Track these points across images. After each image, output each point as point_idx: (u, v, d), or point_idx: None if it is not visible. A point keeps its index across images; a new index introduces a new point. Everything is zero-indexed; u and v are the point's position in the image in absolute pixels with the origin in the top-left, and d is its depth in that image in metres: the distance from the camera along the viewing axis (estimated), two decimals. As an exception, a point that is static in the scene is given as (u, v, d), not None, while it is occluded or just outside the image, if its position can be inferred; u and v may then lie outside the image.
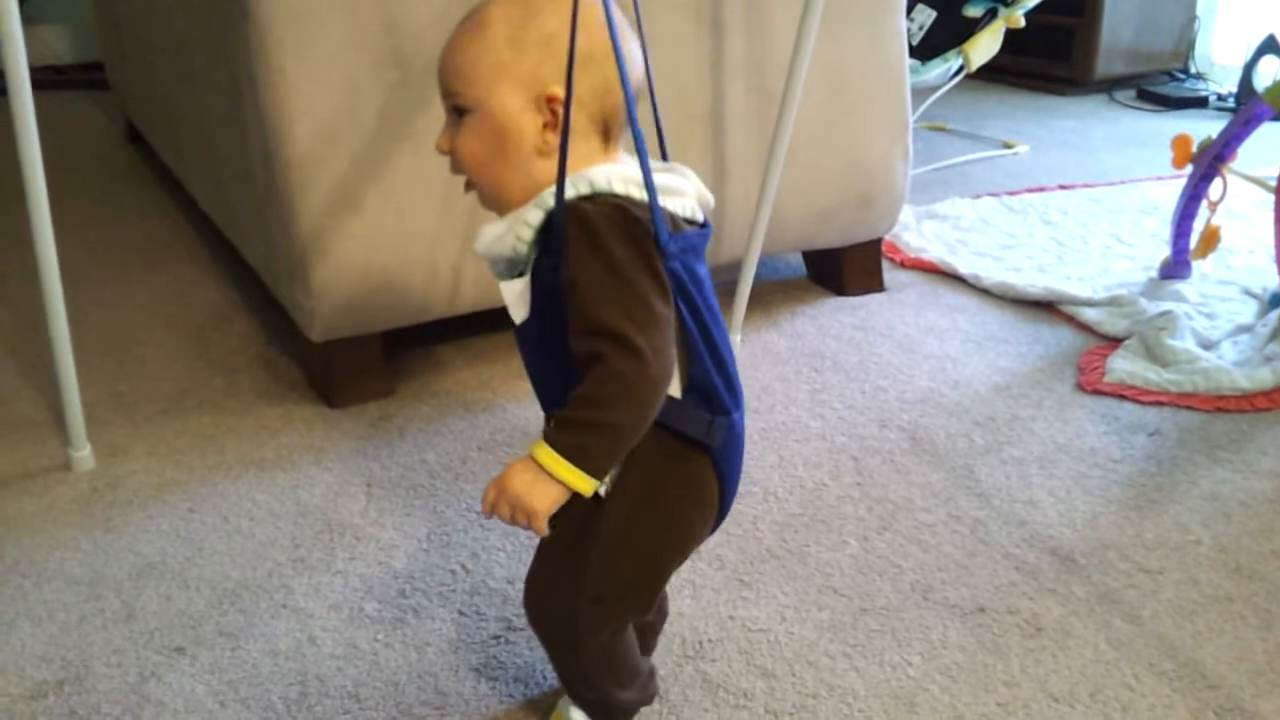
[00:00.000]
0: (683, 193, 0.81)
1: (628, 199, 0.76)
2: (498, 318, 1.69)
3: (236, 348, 1.76)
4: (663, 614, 1.03)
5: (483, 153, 0.79)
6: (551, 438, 0.73)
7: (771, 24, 1.64)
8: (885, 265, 2.02)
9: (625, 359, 0.71)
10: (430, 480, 1.37)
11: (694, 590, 1.16)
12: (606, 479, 0.80)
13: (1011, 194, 2.56)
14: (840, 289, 1.96)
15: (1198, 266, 1.99)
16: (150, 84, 2.34)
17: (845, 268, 1.95)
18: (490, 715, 1.00)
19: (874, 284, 1.98)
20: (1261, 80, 3.34)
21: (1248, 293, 1.90)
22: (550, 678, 1.03)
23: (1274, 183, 1.61)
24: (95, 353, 1.71)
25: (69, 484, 1.38)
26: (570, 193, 0.75)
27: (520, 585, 1.16)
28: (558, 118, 0.77)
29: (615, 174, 0.77)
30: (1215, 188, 1.88)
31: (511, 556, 1.22)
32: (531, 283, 0.77)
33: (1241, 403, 1.53)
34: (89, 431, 1.42)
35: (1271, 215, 1.66)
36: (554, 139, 0.77)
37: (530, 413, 1.53)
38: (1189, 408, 1.53)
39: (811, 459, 1.41)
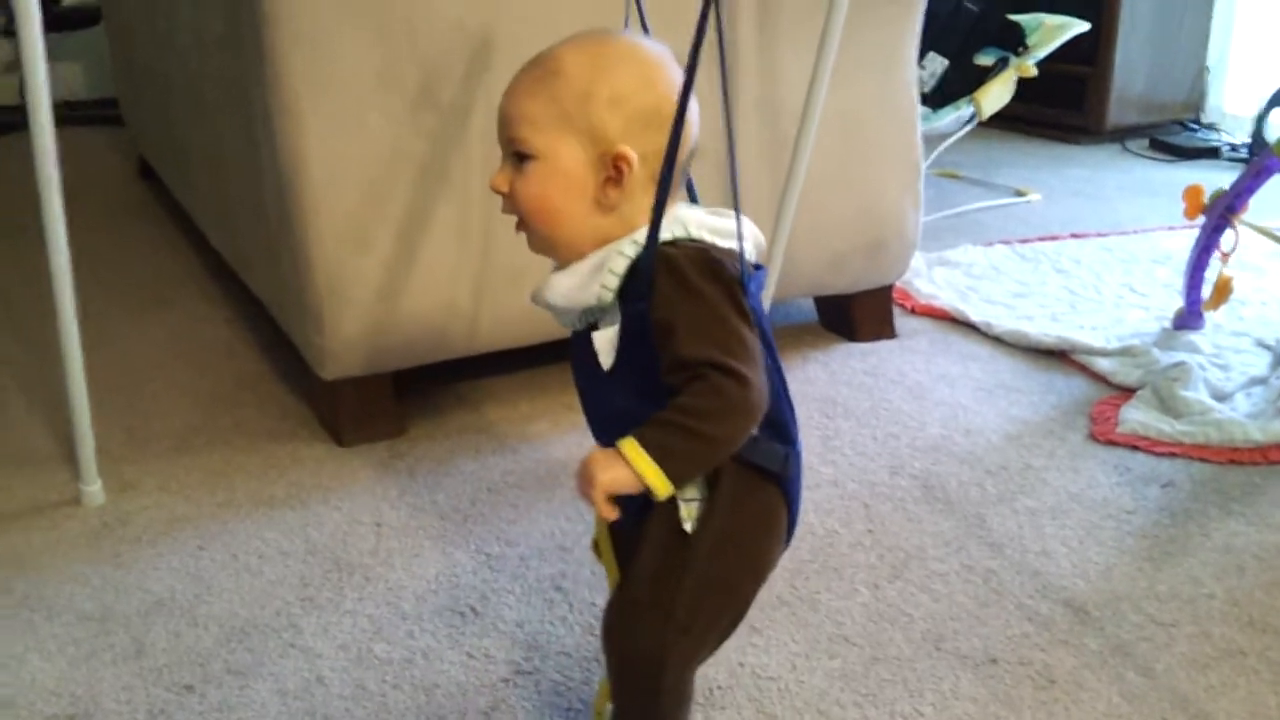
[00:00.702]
0: (742, 236, 0.83)
1: (706, 243, 0.80)
2: (510, 359, 1.70)
3: (247, 385, 1.77)
4: None
5: (542, 201, 0.81)
6: (639, 432, 0.75)
7: (784, 70, 1.66)
8: (896, 312, 2.02)
9: (729, 381, 0.75)
10: (440, 521, 1.37)
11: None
12: (692, 514, 0.82)
13: (1024, 242, 2.56)
14: (851, 335, 1.96)
15: (1211, 317, 1.99)
16: (163, 120, 2.36)
17: (856, 314, 1.95)
18: (497, 760, 0.99)
19: (885, 330, 1.98)
20: (1273, 132, 3.35)
21: (1261, 344, 1.90)
22: (558, 723, 1.03)
23: (1287, 235, 1.61)
24: (106, 387, 1.71)
25: (79, 519, 1.38)
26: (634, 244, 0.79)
27: (528, 627, 1.16)
28: (621, 175, 0.80)
29: (690, 220, 0.81)
30: (1227, 239, 1.88)
31: (520, 599, 1.21)
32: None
33: (1255, 455, 1.52)
34: (99, 466, 1.42)
35: (1284, 267, 1.66)
36: (615, 194, 0.80)
37: (541, 455, 1.53)
38: (1202, 459, 1.52)
39: (823, 505, 1.41)
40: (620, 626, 0.86)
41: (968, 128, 2.83)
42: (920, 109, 1.90)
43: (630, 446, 0.75)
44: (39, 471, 1.49)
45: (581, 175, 0.80)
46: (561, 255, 0.84)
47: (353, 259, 1.44)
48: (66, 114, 3.85)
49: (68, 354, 1.35)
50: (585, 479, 0.76)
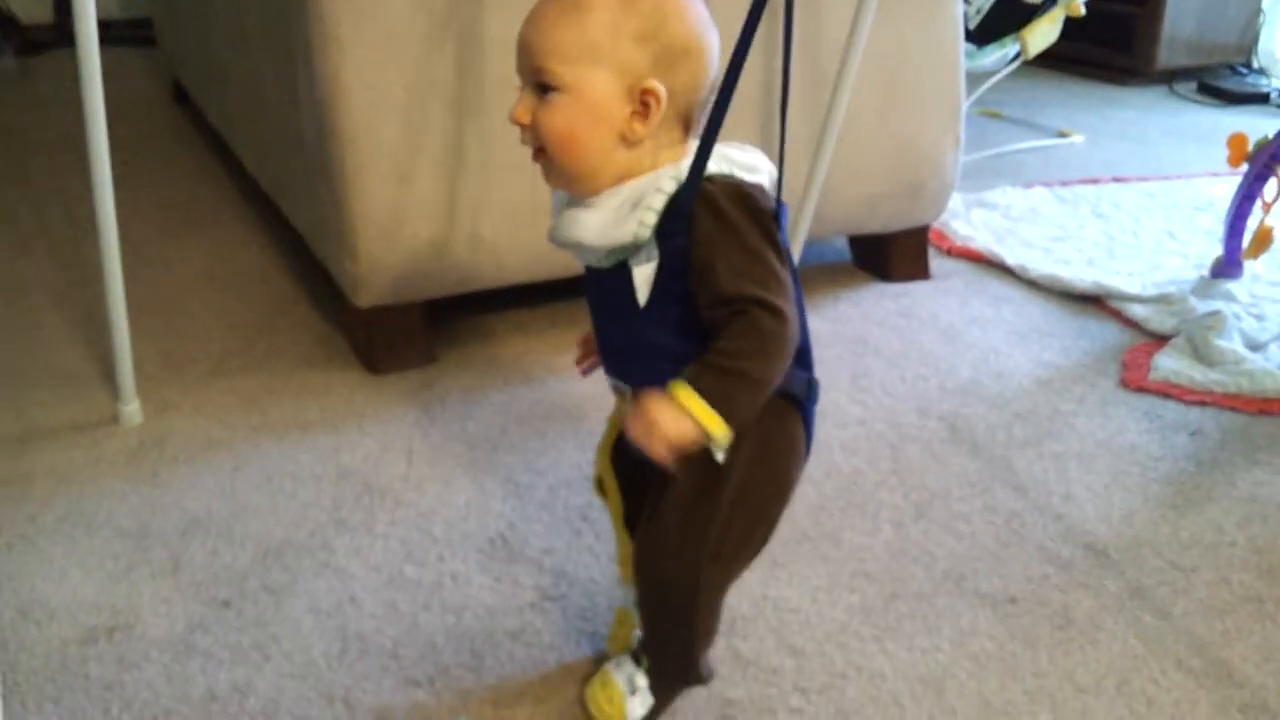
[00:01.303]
0: (762, 171, 0.84)
1: (739, 178, 0.80)
2: (540, 290, 1.71)
3: (281, 311, 1.79)
4: None
5: (567, 133, 0.80)
6: (695, 380, 0.76)
7: (827, 5, 1.64)
8: (932, 253, 2.01)
9: (768, 317, 0.76)
10: (469, 450, 1.39)
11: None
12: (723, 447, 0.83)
13: (1064, 184, 2.54)
14: (885, 275, 1.96)
15: (1250, 267, 1.96)
16: (201, 46, 2.36)
17: (891, 254, 1.94)
18: (525, 679, 1.02)
19: (919, 271, 1.97)
20: (1325, 78, 3.29)
21: (1299, 294, 1.88)
22: (584, 645, 1.05)
23: (1331, 184, 1.59)
24: (143, 310, 1.74)
25: (118, 438, 1.41)
26: (683, 176, 0.78)
27: (555, 555, 1.18)
28: (648, 109, 0.79)
29: (721, 156, 0.81)
30: (1270, 188, 1.85)
31: (548, 528, 1.23)
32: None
33: (1287, 405, 1.52)
34: (137, 387, 1.45)
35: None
36: (641, 129, 0.79)
37: (568, 388, 1.54)
38: (1232, 409, 1.52)
39: (849, 444, 1.42)
40: (655, 556, 0.88)
41: (1013, 66, 2.79)
42: (965, 46, 1.88)
43: (690, 398, 0.76)
44: (79, 391, 1.52)
45: (608, 108, 0.79)
46: (581, 188, 0.83)
47: (388, 188, 1.45)
48: (99, 34, 3.85)
49: (109, 276, 1.37)
50: (652, 432, 0.76)
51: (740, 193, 0.79)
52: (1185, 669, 1.03)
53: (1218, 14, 3.75)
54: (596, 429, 1.42)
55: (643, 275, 0.81)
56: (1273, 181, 1.85)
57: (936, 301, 1.87)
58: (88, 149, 1.29)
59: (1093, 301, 1.88)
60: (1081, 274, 1.95)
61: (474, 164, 1.49)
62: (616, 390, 0.91)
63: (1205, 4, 3.71)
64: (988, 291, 1.93)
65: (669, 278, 0.80)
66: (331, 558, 1.18)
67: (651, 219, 0.78)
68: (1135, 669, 1.03)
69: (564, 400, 1.51)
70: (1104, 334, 1.77)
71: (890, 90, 1.75)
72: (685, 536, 0.86)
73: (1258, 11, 3.81)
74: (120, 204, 1.35)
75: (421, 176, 1.46)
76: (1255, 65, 3.84)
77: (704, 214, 0.78)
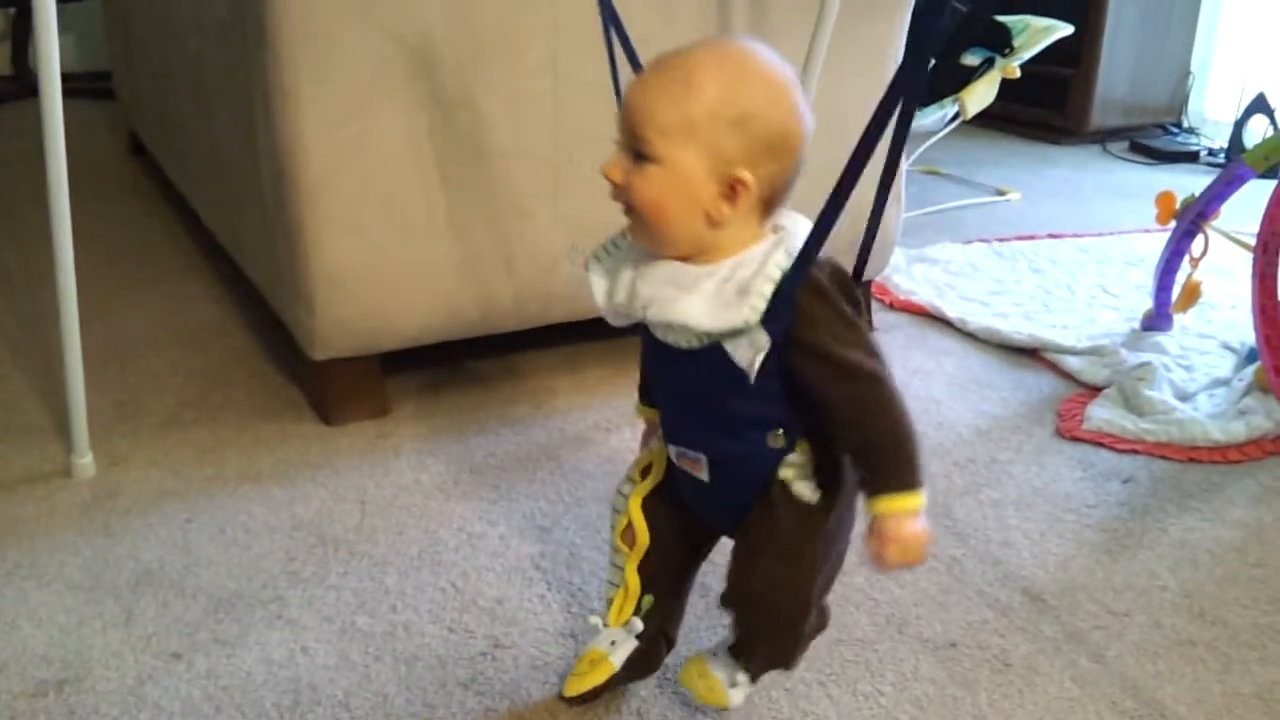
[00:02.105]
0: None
1: (832, 258, 0.84)
2: (494, 343, 1.74)
3: (236, 362, 1.80)
4: (676, 638, 1.09)
5: (656, 204, 0.83)
6: (905, 483, 0.83)
7: (772, 69, 1.69)
8: (875, 306, 2.07)
9: (889, 386, 0.83)
10: (423, 500, 1.41)
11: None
12: (805, 491, 0.90)
13: (1002, 240, 2.61)
14: (830, 328, 2.00)
15: (1179, 320, 2.04)
16: (159, 98, 2.38)
17: (836, 307, 1.99)
18: (475, 729, 1.03)
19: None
20: (1251, 138, 3.41)
21: (1226, 347, 1.95)
22: (536, 692, 1.07)
23: (1253, 241, 1.66)
24: (97, 361, 1.74)
25: (70, 489, 1.41)
26: (788, 260, 0.82)
27: (508, 604, 1.20)
28: (735, 195, 0.82)
29: (806, 233, 0.84)
30: (1197, 244, 1.93)
31: (501, 577, 1.25)
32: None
33: (1214, 454, 1.57)
34: (91, 439, 1.45)
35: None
36: (726, 212, 0.83)
37: (523, 438, 1.57)
38: (1163, 457, 1.57)
39: (795, 493, 1.45)
40: (767, 601, 0.93)
41: (952, 126, 2.87)
42: (903, 108, 1.94)
43: (915, 500, 0.83)
44: (32, 442, 1.52)
45: (697, 187, 0.82)
46: (663, 250, 0.86)
47: (346, 244, 1.48)
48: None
49: (65, 327, 1.38)
50: (920, 555, 0.83)
51: (840, 273, 0.85)
52: (1120, 711, 1.07)
53: (1149, 76, 3.89)
54: (549, 479, 1.45)
55: (749, 356, 0.83)
56: (1200, 238, 1.92)
57: (880, 354, 1.92)
58: (49, 200, 1.30)
59: (1029, 354, 1.94)
60: (1019, 327, 2.01)
61: (430, 220, 1.52)
62: (686, 459, 0.94)
63: (1137, 66, 3.84)
64: (929, 344, 1.98)
65: (769, 356, 0.83)
66: (284, 609, 1.19)
67: (762, 305, 0.81)
68: (1071, 711, 1.07)
69: (518, 451, 1.54)
70: (1040, 385, 1.82)
71: (835, 150, 1.79)
72: (796, 579, 0.92)
73: (1187, 74, 3.96)
74: (77, 256, 1.36)
75: (378, 231, 1.49)
76: (1185, 125, 3.98)
77: (809, 298, 0.82)
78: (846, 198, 0.79)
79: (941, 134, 2.93)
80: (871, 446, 0.84)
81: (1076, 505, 1.44)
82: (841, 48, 1.67)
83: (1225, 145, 3.61)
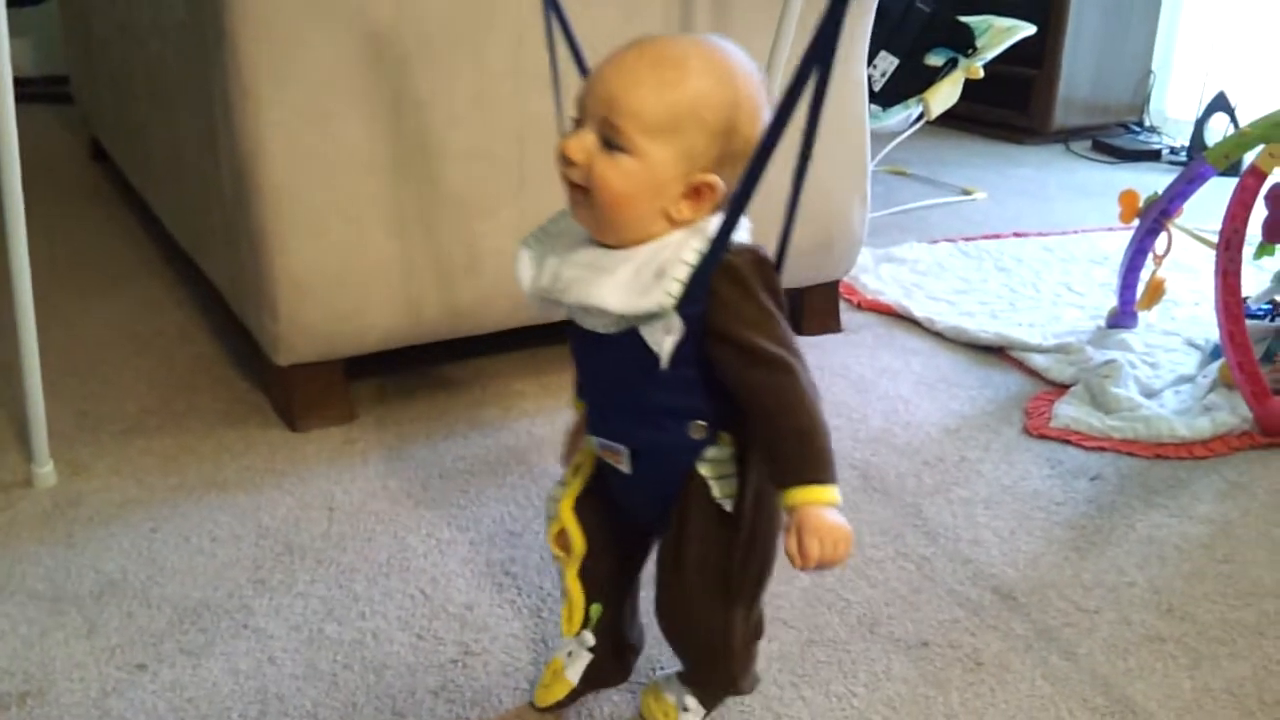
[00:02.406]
0: (746, 228, 0.88)
1: (753, 245, 0.85)
2: (460, 346, 1.73)
3: (200, 369, 1.78)
4: (641, 643, 1.08)
5: (622, 195, 0.81)
6: (818, 476, 0.81)
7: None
8: (842, 306, 2.07)
9: (802, 378, 0.82)
10: (391, 506, 1.39)
11: (648, 619, 1.18)
12: (726, 491, 0.89)
13: (968, 240, 2.63)
14: (798, 328, 2.00)
15: (1144, 317, 2.05)
16: (119, 102, 2.35)
17: (804, 308, 1.99)
18: (446, 737, 1.02)
19: (831, 325, 2.03)
20: (1212, 136, 3.45)
21: (1190, 344, 1.97)
22: (506, 700, 1.06)
23: (1215, 238, 1.67)
24: (58, 370, 1.72)
25: (31, 500, 1.39)
26: (705, 245, 0.81)
27: (478, 610, 1.19)
28: (700, 197, 0.82)
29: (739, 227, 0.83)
30: (1161, 242, 1.94)
31: (470, 583, 1.24)
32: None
33: (1180, 450, 1.59)
34: (51, 448, 1.43)
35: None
36: (687, 211, 0.83)
37: (491, 441, 1.56)
38: (1130, 454, 1.58)
39: (765, 494, 1.45)
40: (681, 617, 0.93)
41: (916, 126, 2.89)
42: (870, 107, 1.95)
43: (828, 493, 0.81)
44: (-10, 453, 1.49)
45: (666, 186, 0.82)
46: (607, 239, 0.84)
47: (309, 247, 1.46)
48: (15, 91, 3.80)
49: (22, 335, 1.35)
50: (844, 551, 0.81)
51: (759, 259, 0.84)
52: (1091, 707, 1.07)
53: (1111, 76, 3.93)
54: (519, 483, 1.44)
55: (661, 340, 0.82)
56: (1163, 235, 1.94)
57: (848, 353, 1.93)
58: (3, 206, 1.28)
59: (996, 352, 1.95)
60: (985, 326, 2.02)
61: (394, 222, 1.51)
62: (608, 451, 0.92)
63: (1099, 66, 3.88)
64: (896, 343, 1.99)
65: (685, 342, 0.82)
66: (250, 618, 1.17)
67: (677, 289, 0.80)
68: (1043, 710, 1.07)
69: (486, 455, 1.52)
70: (1007, 383, 1.83)
71: (795, 148, 1.80)
72: (708, 593, 0.91)
73: (1148, 73, 4.00)
74: (35, 262, 1.34)
75: (341, 234, 1.48)
76: (1147, 124, 4.02)
77: (726, 283, 0.81)
78: (760, 172, 0.78)
79: (906, 134, 2.94)
80: (782, 437, 0.82)
81: (1045, 503, 1.45)
82: (800, 48, 1.66)
83: (1187, 144, 3.65)
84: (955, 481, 1.50)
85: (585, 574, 0.97)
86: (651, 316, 0.81)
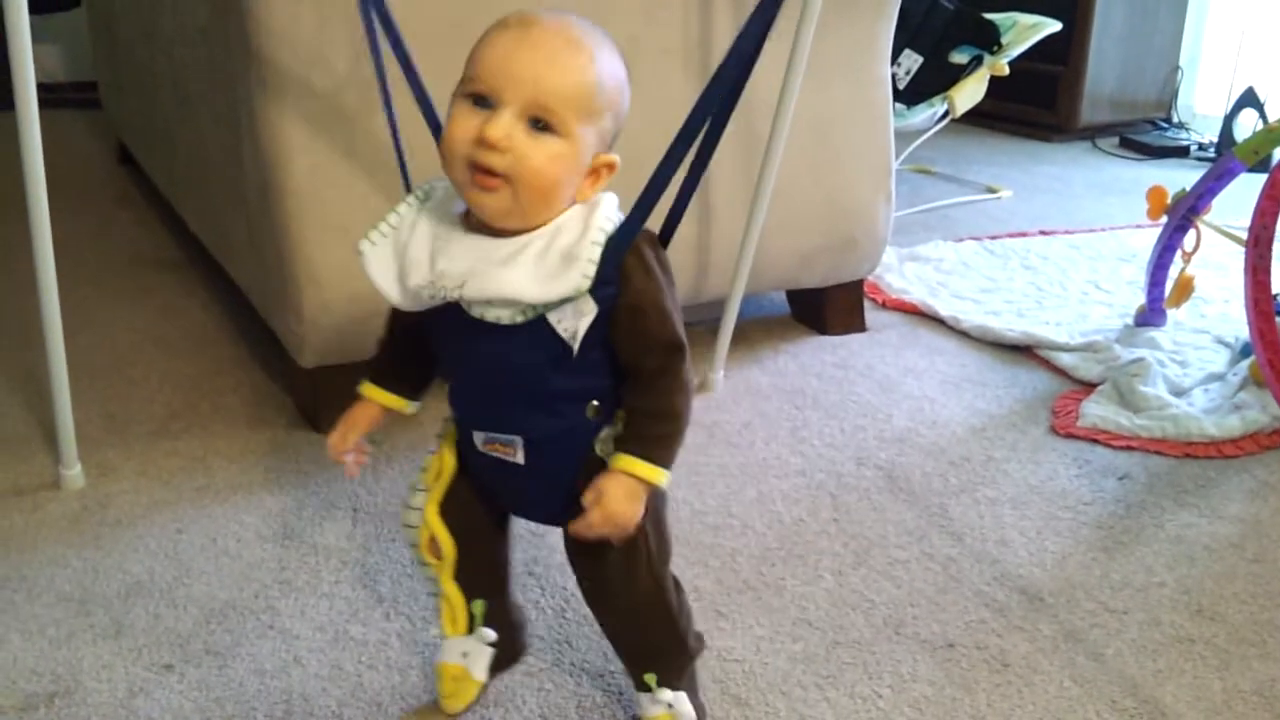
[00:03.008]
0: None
1: (648, 228, 0.84)
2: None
3: (225, 371, 1.79)
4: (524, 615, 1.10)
5: (551, 179, 0.80)
6: (649, 454, 0.84)
7: (758, 70, 1.67)
8: (867, 305, 2.06)
9: (687, 364, 0.85)
10: (416, 506, 1.39)
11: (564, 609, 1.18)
12: None
13: (993, 238, 2.61)
14: (822, 328, 2.00)
15: (1172, 315, 2.03)
16: (145, 108, 2.37)
17: (828, 307, 1.99)
18: (470, 738, 1.02)
19: (856, 324, 2.02)
20: (1241, 132, 3.41)
21: (1220, 341, 1.95)
22: (530, 700, 1.06)
23: (1245, 235, 1.65)
24: (86, 373, 1.73)
25: (59, 501, 1.40)
26: (610, 225, 0.81)
27: (502, 611, 1.19)
28: (599, 177, 0.83)
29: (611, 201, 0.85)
30: (1189, 239, 1.93)
31: (494, 583, 1.24)
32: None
33: (1210, 449, 1.57)
34: (79, 450, 1.44)
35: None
36: (589, 191, 0.83)
37: (515, 442, 1.55)
38: (1159, 453, 1.57)
39: (790, 495, 1.44)
40: (613, 595, 0.95)
41: (941, 124, 2.87)
42: (894, 106, 1.94)
43: (646, 469, 0.83)
44: (19, 455, 1.51)
45: (582, 167, 0.82)
46: (516, 225, 0.81)
47: (333, 249, 1.46)
48: (44, 97, 3.82)
49: (49, 338, 1.36)
50: (621, 525, 0.84)
51: (653, 237, 0.85)
52: (1119, 709, 1.06)
53: (1137, 72, 3.89)
54: (541, 484, 1.44)
55: (574, 325, 0.81)
56: (1191, 232, 1.92)
57: (872, 353, 1.92)
58: (28, 209, 1.29)
59: (1023, 351, 1.94)
60: (1011, 324, 2.01)
61: (417, 224, 1.51)
62: (496, 445, 0.90)
63: (1125, 62, 3.84)
64: (922, 343, 1.98)
65: (593, 325, 0.82)
66: (276, 619, 1.18)
67: (593, 271, 0.79)
68: (1071, 710, 1.06)
69: (509, 456, 1.52)
70: (1034, 382, 1.82)
71: (823, 150, 1.80)
72: (629, 567, 0.92)
73: (1175, 69, 3.96)
74: (64, 266, 1.35)
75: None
76: (1174, 120, 3.99)
77: (635, 266, 0.82)
78: (687, 149, 0.82)
79: (931, 132, 2.93)
80: (651, 416, 0.85)
81: (1073, 503, 1.44)
82: (823, 50, 1.66)
83: (1215, 140, 3.62)
84: (982, 481, 1.49)
85: (461, 575, 0.97)
86: (563, 301, 0.80)
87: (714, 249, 1.74)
